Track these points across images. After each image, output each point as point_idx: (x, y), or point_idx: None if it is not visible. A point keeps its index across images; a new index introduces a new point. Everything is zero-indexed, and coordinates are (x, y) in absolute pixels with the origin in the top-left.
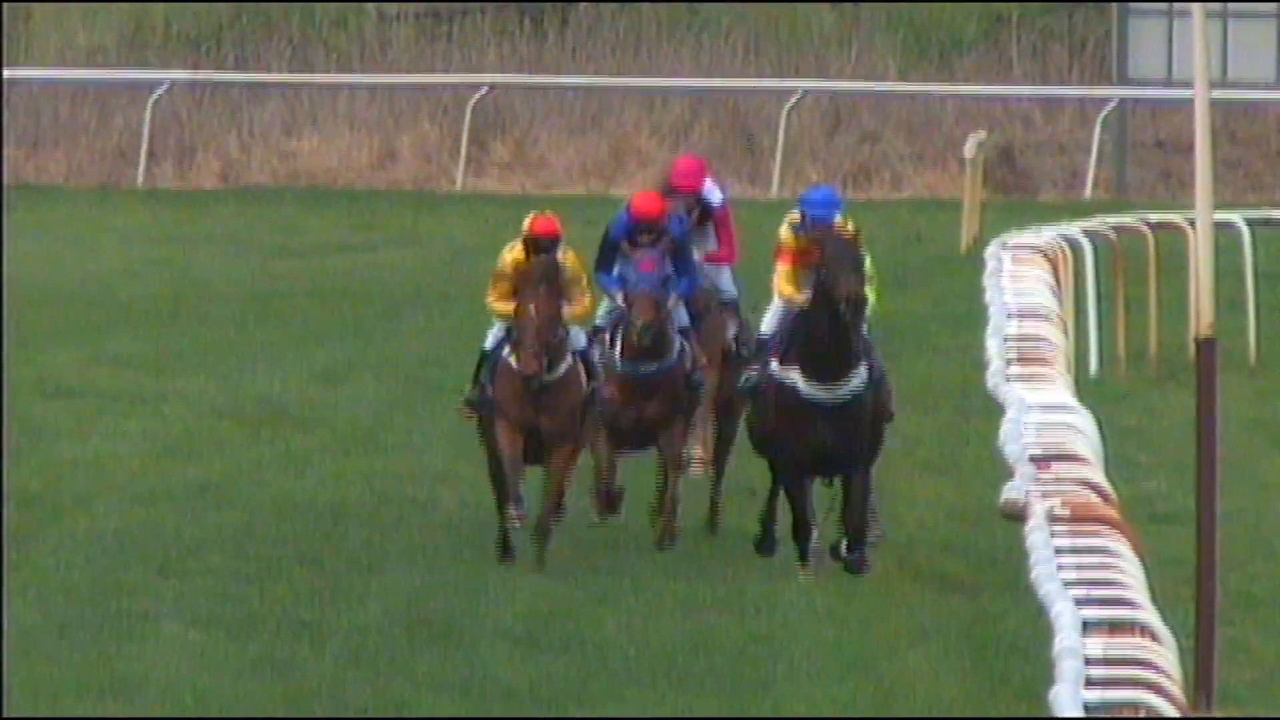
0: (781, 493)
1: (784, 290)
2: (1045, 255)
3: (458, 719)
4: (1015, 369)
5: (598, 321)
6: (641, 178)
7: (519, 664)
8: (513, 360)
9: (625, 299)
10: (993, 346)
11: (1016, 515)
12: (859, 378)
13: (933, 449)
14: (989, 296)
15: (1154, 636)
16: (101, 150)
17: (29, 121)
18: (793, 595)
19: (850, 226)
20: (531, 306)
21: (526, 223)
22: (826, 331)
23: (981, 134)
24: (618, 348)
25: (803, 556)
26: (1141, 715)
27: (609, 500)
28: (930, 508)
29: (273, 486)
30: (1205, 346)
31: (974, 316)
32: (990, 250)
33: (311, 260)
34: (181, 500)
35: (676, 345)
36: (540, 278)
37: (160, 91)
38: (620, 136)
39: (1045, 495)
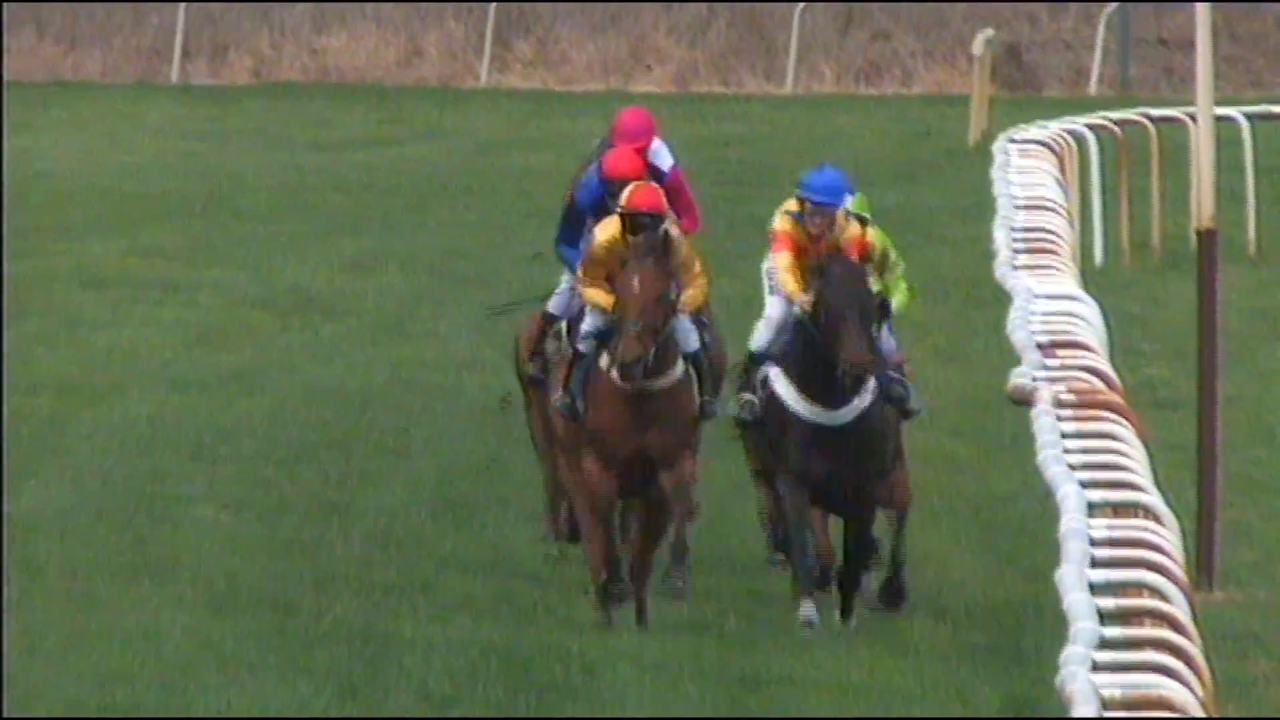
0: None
1: (787, 286)
2: (1051, 149)
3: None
4: (1022, 259)
5: (550, 307)
6: (659, 74)
7: (539, 545)
8: (612, 374)
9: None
10: (1000, 237)
11: (1024, 400)
12: (865, 398)
13: (942, 336)
14: (996, 189)
15: (1157, 518)
16: (137, 47)
17: (67, 19)
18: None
19: (854, 228)
20: (636, 280)
21: (624, 196)
22: (819, 366)
23: (989, 31)
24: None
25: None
26: (1145, 595)
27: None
28: (940, 393)
29: (302, 374)
30: (1206, 237)
31: (982, 208)
32: (998, 144)
33: (340, 155)
34: (213, 387)
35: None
36: (648, 250)
37: None
38: (639, 35)
39: (1052, 381)
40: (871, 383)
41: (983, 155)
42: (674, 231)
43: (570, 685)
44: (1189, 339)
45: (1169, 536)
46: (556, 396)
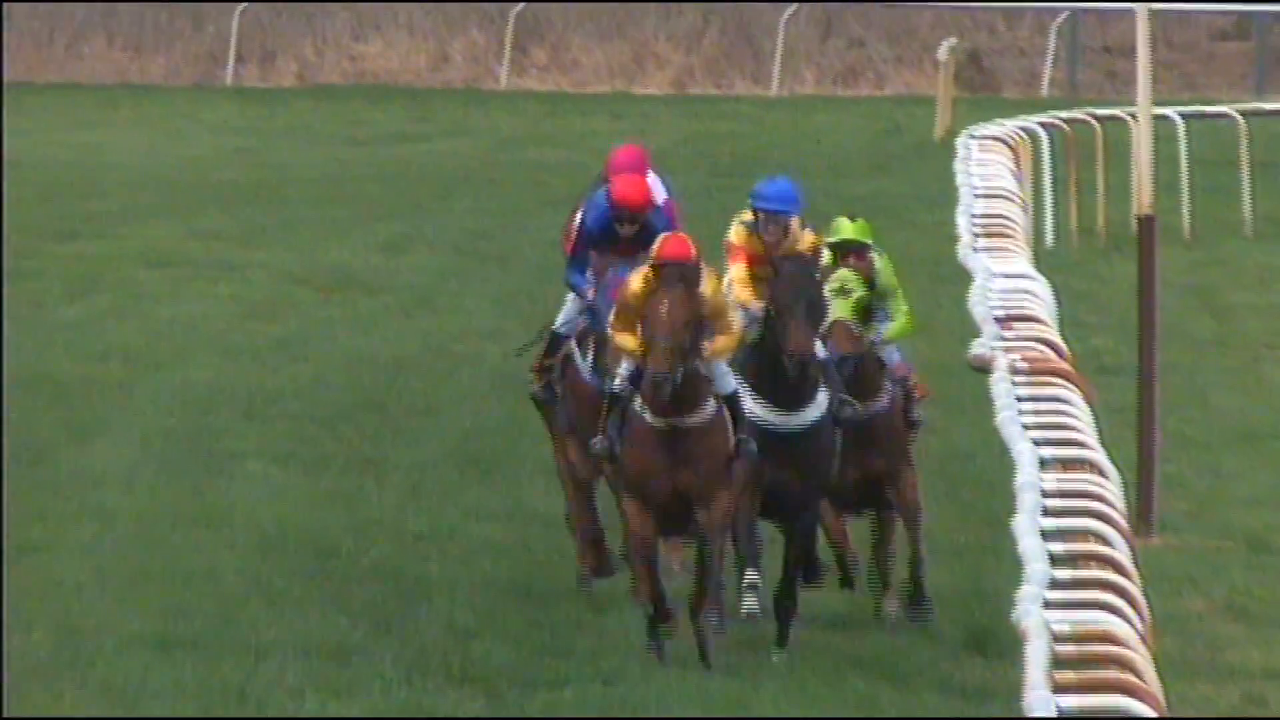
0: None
1: (741, 295)
2: (1007, 144)
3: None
4: (982, 242)
5: (558, 328)
6: (659, 78)
7: (553, 497)
8: (646, 415)
9: (591, 328)
10: (962, 223)
11: (983, 368)
12: (817, 408)
13: (917, 307)
14: (959, 180)
15: (1102, 472)
16: (195, 54)
17: (133, 28)
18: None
19: (809, 235)
20: (665, 305)
21: (655, 247)
22: (774, 369)
23: (953, 39)
24: (588, 356)
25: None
26: (1091, 540)
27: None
28: (910, 361)
29: (342, 343)
30: (1146, 222)
31: (946, 197)
32: (960, 140)
33: (375, 149)
34: (263, 355)
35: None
36: (677, 278)
37: (246, 4)
38: (641, 42)
39: (1008, 351)
40: (823, 396)
41: (946, 150)
42: (709, 282)
43: (580, 621)
44: (1130, 313)
45: (1112, 488)
46: (595, 440)
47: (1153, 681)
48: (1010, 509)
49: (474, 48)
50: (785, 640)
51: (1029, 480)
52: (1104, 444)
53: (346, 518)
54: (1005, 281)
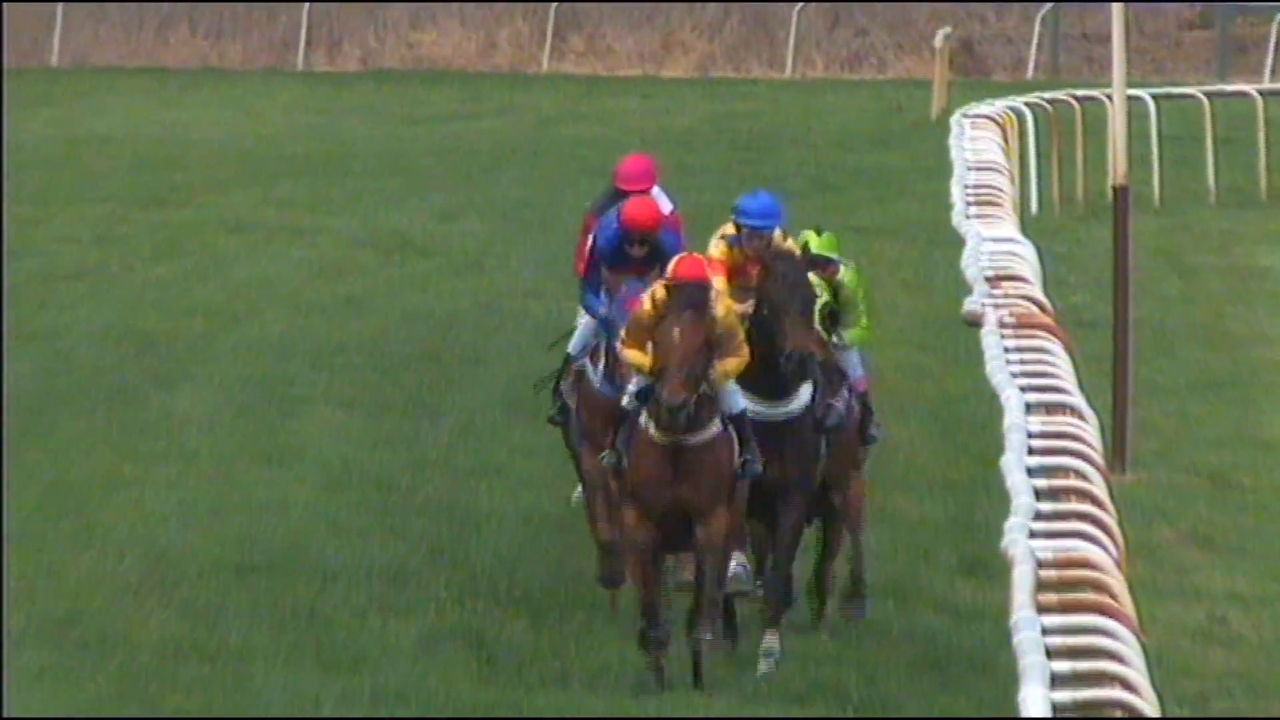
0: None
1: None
2: (996, 122)
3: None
4: (973, 210)
5: (570, 350)
6: (684, 63)
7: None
8: (651, 430)
9: (610, 341)
10: (956, 192)
11: (975, 322)
12: (800, 399)
13: (910, 271)
14: (953, 154)
15: (1080, 416)
16: (269, 41)
17: (213, 18)
18: None
19: (789, 243)
20: (676, 331)
21: (670, 266)
22: (761, 362)
23: (947, 29)
24: (600, 366)
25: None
26: (1071, 477)
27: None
28: (908, 316)
29: (400, 300)
30: (1120, 192)
31: (942, 169)
32: (954, 119)
33: (430, 126)
34: (330, 310)
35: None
36: (687, 303)
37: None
38: (668, 30)
39: (997, 307)
40: (806, 389)
41: (942, 127)
42: (719, 303)
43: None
44: (1105, 273)
45: (1090, 430)
46: (604, 454)
47: (1126, 603)
48: (999, 448)
49: (519, 36)
50: (777, 620)
51: (1015, 423)
52: (1082, 390)
53: (404, 456)
54: (994, 245)
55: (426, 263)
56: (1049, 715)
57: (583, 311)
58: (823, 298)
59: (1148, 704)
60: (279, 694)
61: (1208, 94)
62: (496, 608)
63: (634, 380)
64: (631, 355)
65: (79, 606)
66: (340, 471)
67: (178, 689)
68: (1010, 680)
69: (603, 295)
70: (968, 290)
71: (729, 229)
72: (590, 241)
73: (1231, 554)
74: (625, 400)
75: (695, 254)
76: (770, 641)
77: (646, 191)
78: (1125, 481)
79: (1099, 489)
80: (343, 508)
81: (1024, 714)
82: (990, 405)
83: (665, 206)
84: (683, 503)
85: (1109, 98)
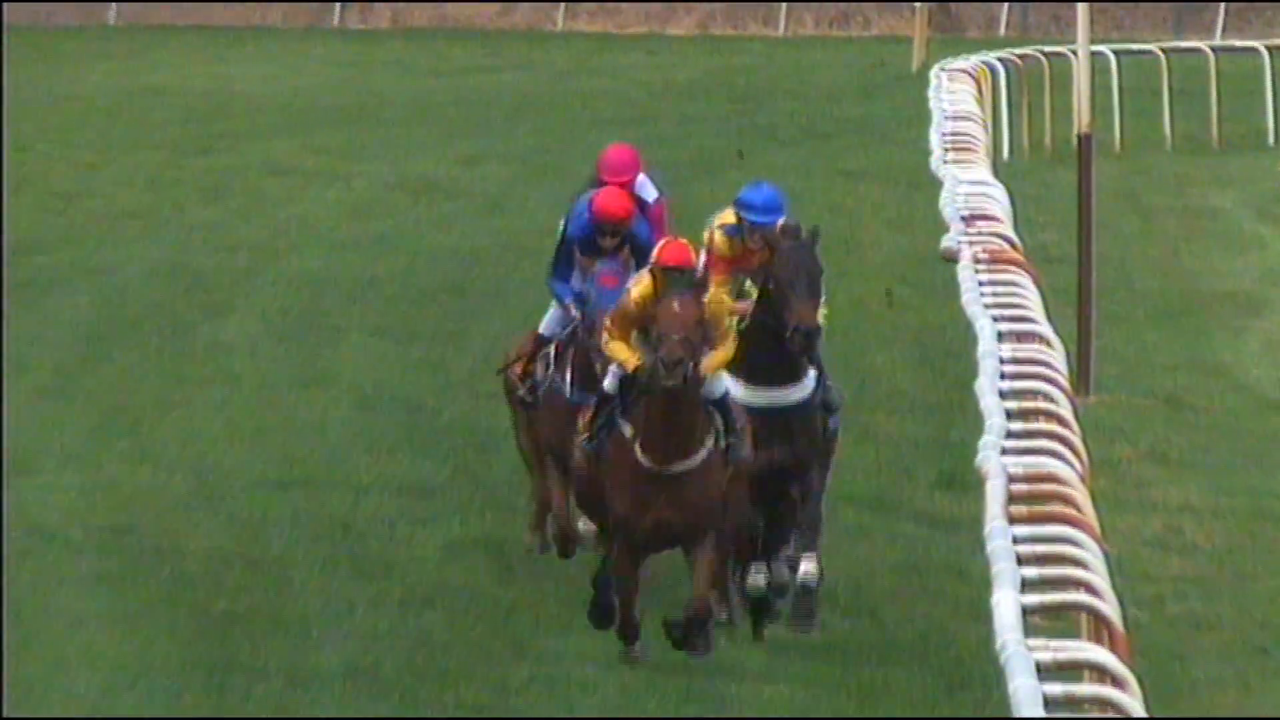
0: None
1: (725, 303)
2: (971, 76)
3: None
4: (950, 155)
5: (542, 329)
6: (687, 21)
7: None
8: (638, 451)
9: (584, 319)
10: (934, 139)
11: (951, 258)
12: (805, 386)
13: (892, 211)
14: (932, 104)
15: (1048, 343)
16: (308, 1)
17: None
18: None
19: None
20: (676, 303)
21: (655, 251)
22: (771, 346)
23: None
24: (566, 375)
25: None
26: (1039, 399)
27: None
28: (890, 252)
29: (428, 238)
30: (1084, 139)
31: (921, 118)
32: (933, 72)
33: (455, 79)
34: (364, 247)
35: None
36: (685, 284)
37: None
38: None
39: (971, 244)
40: (811, 374)
41: (922, 80)
42: (707, 290)
43: None
44: (1070, 213)
45: (1056, 356)
46: (581, 439)
47: (1089, 514)
48: (973, 373)
49: None
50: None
51: (989, 350)
52: (1050, 320)
53: (431, 380)
54: (969, 187)
55: (451, 204)
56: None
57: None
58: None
59: (1109, 606)
60: (316, 598)
61: (1164, 50)
62: (514, 518)
63: (613, 368)
64: (616, 349)
65: (134, 518)
66: (372, 394)
67: (224, 594)
68: (983, 584)
69: (573, 282)
70: (945, 228)
71: (727, 217)
72: (561, 228)
73: (1186, 469)
74: (607, 383)
75: (680, 239)
76: (809, 567)
77: (631, 183)
78: (1089, 403)
79: (1065, 410)
80: (374, 428)
81: (996, 613)
82: (965, 334)
83: (650, 194)
84: (671, 531)
85: (1074, 53)
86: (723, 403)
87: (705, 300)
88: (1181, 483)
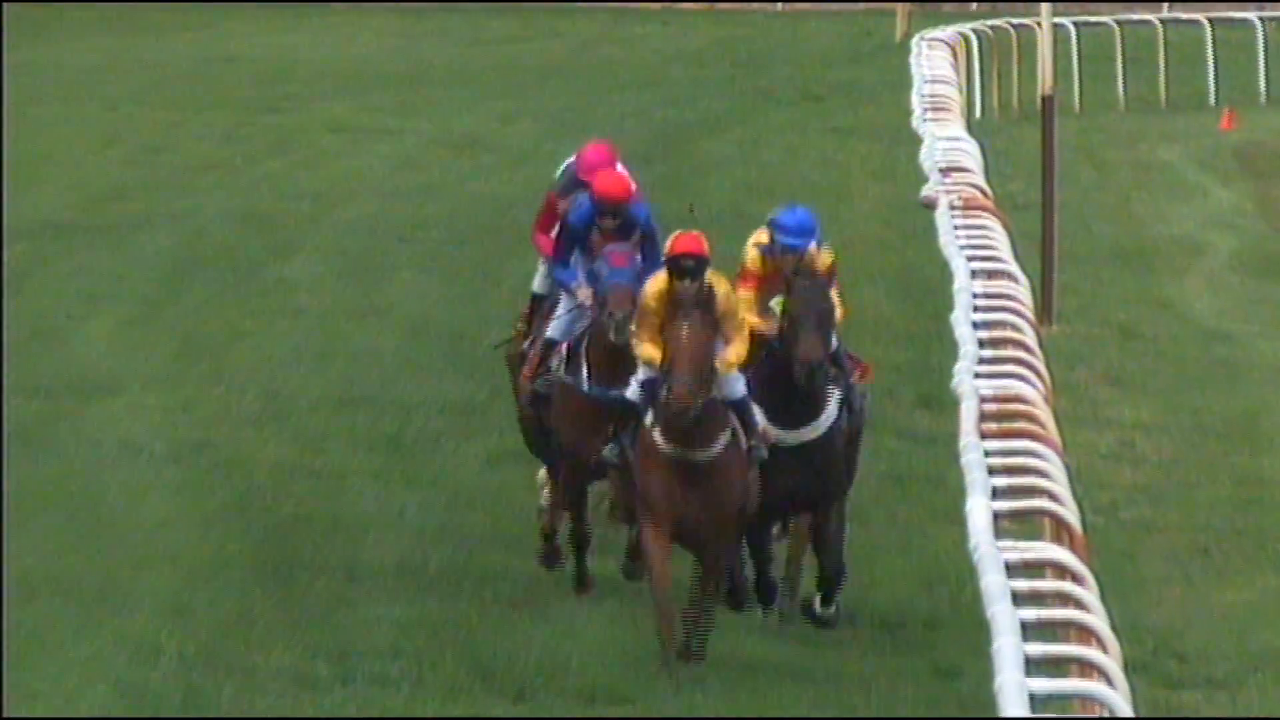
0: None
1: (750, 320)
2: (948, 44)
3: None
4: (929, 114)
5: (550, 333)
6: None
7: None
8: (657, 434)
9: (595, 297)
10: (915, 100)
11: (930, 205)
12: (828, 416)
13: (877, 164)
14: (913, 70)
15: (1015, 279)
16: None
17: None
18: None
19: (825, 257)
20: (684, 331)
21: (668, 242)
22: (785, 380)
23: None
24: (583, 370)
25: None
26: (1008, 329)
27: (547, 553)
28: (876, 201)
29: (468, 187)
30: (1047, 101)
31: (903, 82)
32: (914, 41)
33: (493, 48)
34: (412, 195)
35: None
36: (694, 303)
37: None
38: None
39: (948, 192)
40: (833, 404)
41: (904, 48)
42: (719, 285)
43: None
44: (1035, 165)
45: (1023, 291)
46: (606, 447)
47: (1052, 430)
48: (949, 306)
49: None
50: (832, 600)
51: (963, 285)
52: (1017, 259)
53: (472, 311)
54: (946, 142)
55: (489, 157)
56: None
57: (532, 286)
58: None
59: (1069, 512)
60: (371, 504)
61: (1118, 21)
62: None
63: (640, 371)
64: (644, 350)
65: (210, 434)
66: (420, 324)
67: (289, 500)
68: (958, 492)
69: (577, 270)
70: (924, 179)
71: (762, 237)
72: (562, 222)
73: (1136, 391)
74: (630, 391)
75: (693, 231)
76: (828, 611)
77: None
78: (1051, 333)
79: (1030, 339)
80: (422, 353)
81: (970, 518)
82: (942, 272)
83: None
84: (694, 521)
85: (1039, 25)
86: (742, 404)
87: (719, 296)
88: (1133, 403)
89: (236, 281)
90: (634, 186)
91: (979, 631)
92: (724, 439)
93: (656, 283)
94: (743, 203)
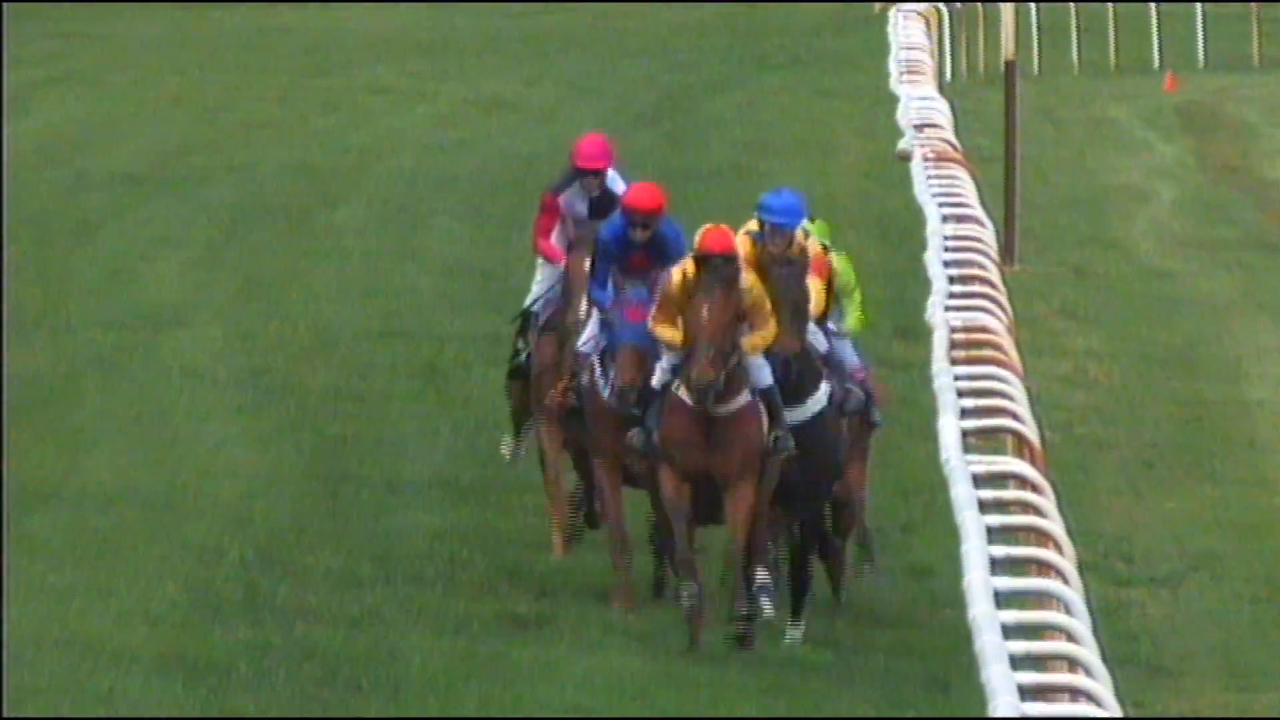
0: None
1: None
2: (922, 16)
3: None
4: (905, 77)
5: (581, 346)
6: None
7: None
8: (682, 393)
9: (609, 346)
10: (892, 65)
11: (905, 157)
12: (815, 403)
13: (859, 122)
14: (890, 39)
15: (981, 223)
16: None
17: None
18: None
19: (813, 242)
20: (705, 309)
21: (697, 237)
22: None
23: None
24: (609, 382)
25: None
26: (974, 267)
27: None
28: (858, 155)
29: (497, 143)
30: (1009, 66)
31: (882, 49)
32: (890, 13)
33: (518, 18)
34: (447, 149)
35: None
36: (716, 281)
37: None
38: None
39: (921, 146)
40: (825, 387)
41: (882, 19)
42: (744, 277)
43: None
44: (999, 122)
45: (987, 233)
46: (633, 432)
47: (1014, 358)
48: (923, 247)
49: None
50: (800, 611)
51: (935, 229)
52: (983, 206)
53: (501, 252)
54: (920, 102)
55: (515, 116)
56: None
57: (538, 289)
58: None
59: (1029, 430)
60: (409, 424)
61: None
62: None
63: (665, 357)
64: (663, 332)
65: (266, 362)
66: (454, 265)
67: (336, 420)
68: (930, 412)
69: (610, 290)
70: (900, 134)
71: (753, 225)
72: (595, 241)
73: (1089, 323)
74: (657, 378)
75: (722, 226)
76: (794, 633)
77: (604, 170)
78: (1013, 271)
79: (994, 276)
80: (455, 291)
81: (941, 435)
82: (917, 217)
83: (619, 188)
84: (712, 471)
85: None
86: (769, 392)
87: (741, 289)
88: (1085, 333)
89: (289, 227)
90: (617, 190)
91: (949, 536)
92: (742, 399)
93: (681, 270)
94: (740, 157)
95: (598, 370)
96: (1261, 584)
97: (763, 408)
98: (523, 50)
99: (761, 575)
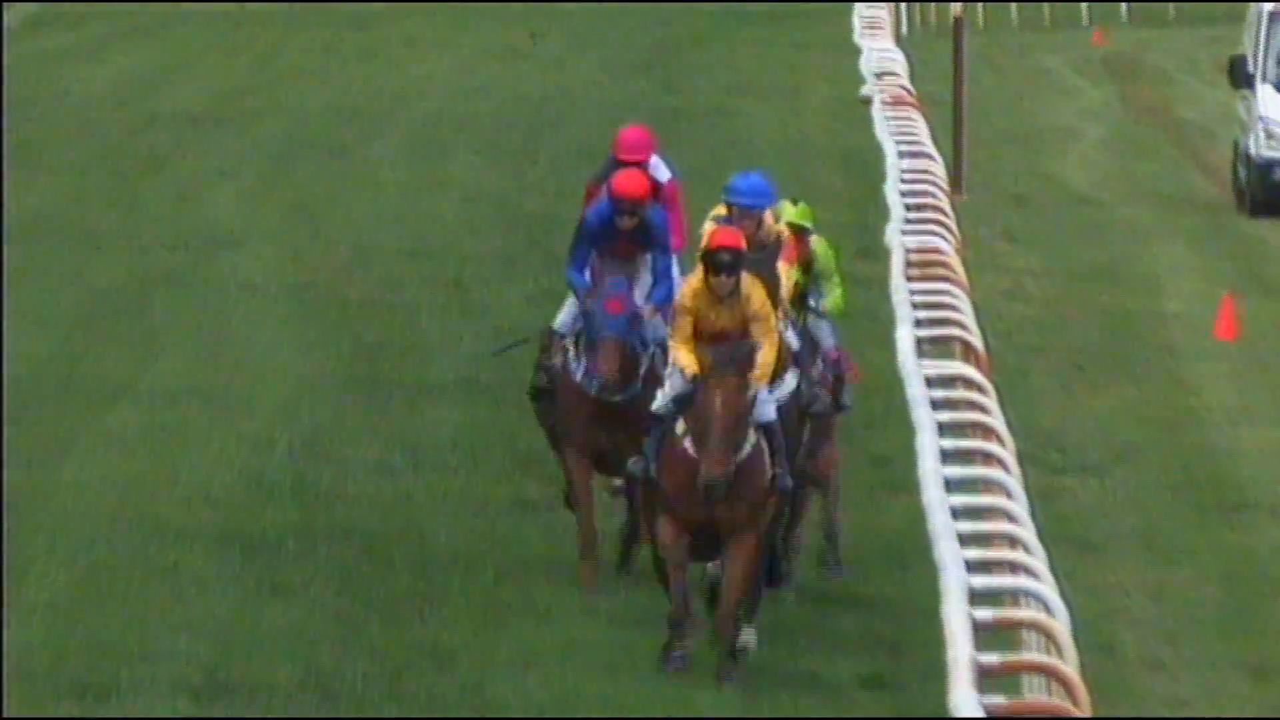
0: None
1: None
2: None
3: None
4: (866, 31)
5: (556, 325)
6: None
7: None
8: (687, 444)
9: (589, 337)
10: (856, 21)
11: (867, 102)
12: (783, 388)
13: (828, 70)
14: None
15: (932, 158)
16: None
17: None
18: None
19: (785, 229)
20: (718, 397)
21: (705, 237)
22: None
23: None
24: (583, 365)
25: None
26: (928, 197)
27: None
28: (826, 99)
29: (512, 87)
30: (958, 22)
31: (848, 8)
32: None
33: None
34: (469, 93)
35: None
36: (729, 359)
37: None
38: None
39: (881, 92)
40: (790, 378)
41: None
42: (754, 289)
43: None
44: (949, 71)
45: (938, 169)
46: (633, 461)
47: (961, 275)
48: (882, 179)
49: None
50: (751, 618)
51: (892, 164)
52: (935, 143)
53: (516, 181)
54: (880, 53)
55: (528, 64)
56: (914, 347)
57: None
58: (794, 276)
59: (975, 338)
60: (436, 331)
61: None
62: None
63: (670, 381)
64: (680, 356)
65: (311, 277)
66: (474, 193)
67: (372, 328)
68: (889, 323)
69: (587, 275)
70: (862, 81)
71: (720, 209)
72: (581, 218)
73: (1027, 245)
74: (657, 405)
75: (730, 227)
76: (747, 638)
77: (645, 162)
78: (961, 200)
79: (945, 204)
80: (475, 216)
81: (899, 343)
82: (877, 153)
83: (664, 175)
84: (717, 521)
85: None
86: (771, 429)
87: (752, 298)
88: (1024, 254)
89: (331, 160)
90: (664, 179)
91: (906, 430)
92: (746, 447)
93: (692, 282)
94: (723, 99)
95: (570, 352)
96: (1178, 473)
97: (764, 443)
98: (533, 7)
99: (746, 636)
